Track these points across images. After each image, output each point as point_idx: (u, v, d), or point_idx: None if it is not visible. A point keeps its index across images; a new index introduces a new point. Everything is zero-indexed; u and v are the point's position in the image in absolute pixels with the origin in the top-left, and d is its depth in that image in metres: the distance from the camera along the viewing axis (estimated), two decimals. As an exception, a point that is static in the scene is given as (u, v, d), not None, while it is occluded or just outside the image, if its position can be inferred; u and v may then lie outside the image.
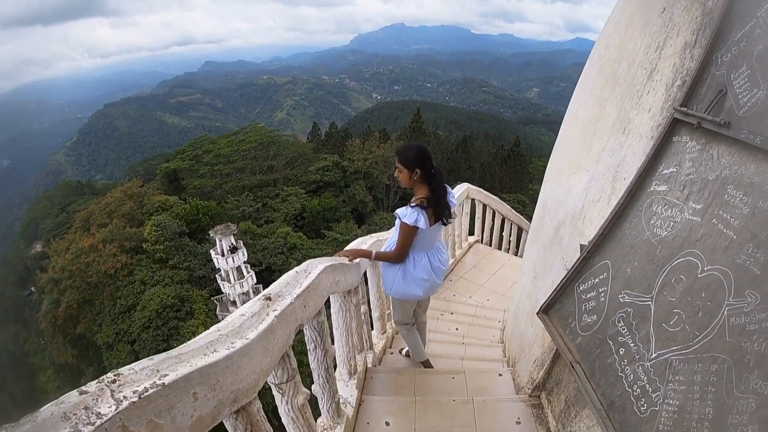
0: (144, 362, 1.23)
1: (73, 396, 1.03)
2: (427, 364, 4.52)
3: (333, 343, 3.40)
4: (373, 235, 4.44)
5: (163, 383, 1.17)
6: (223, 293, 30.47)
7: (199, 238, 35.86)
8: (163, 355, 1.31)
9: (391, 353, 4.98)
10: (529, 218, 8.01)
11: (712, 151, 1.82)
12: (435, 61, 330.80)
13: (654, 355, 1.88)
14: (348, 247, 3.82)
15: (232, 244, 29.05)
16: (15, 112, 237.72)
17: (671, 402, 1.75)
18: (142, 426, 1.10)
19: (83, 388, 1.07)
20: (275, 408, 2.30)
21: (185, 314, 30.08)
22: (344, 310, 3.38)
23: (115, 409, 1.03)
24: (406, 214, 3.38)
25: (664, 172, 2.05)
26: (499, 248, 9.49)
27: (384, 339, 5.04)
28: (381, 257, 3.79)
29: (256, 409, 1.71)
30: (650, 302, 1.96)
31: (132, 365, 1.20)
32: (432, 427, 3.31)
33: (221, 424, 1.60)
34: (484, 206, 8.90)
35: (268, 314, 1.87)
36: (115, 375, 1.13)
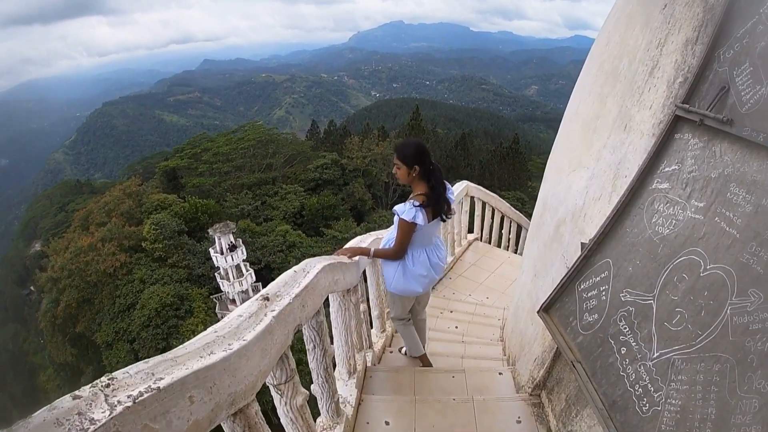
0: (139, 365, 1.21)
1: (66, 401, 1.01)
2: (424, 359, 4.51)
3: (332, 342, 3.38)
4: (372, 233, 4.42)
5: (159, 387, 1.15)
6: (222, 291, 30.51)
7: (198, 236, 35.86)
8: (159, 357, 1.28)
9: (391, 352, 4.96)
10: (529, 216, 8.00)
11: (715, 149, 1.81)
12: (434, 58, 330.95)
13: (656, 355, 1.86)
14: (347, 245, 3.82)
15: (231, 242, 29.07)
16: (14, 111, 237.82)
17: (673, 402, 1.73)
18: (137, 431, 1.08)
19: (76, 392, 1.04)
20: (275, 406, 2.28)
21: (184, 313, 30.08)
22: (343, 309, 3.37)
23: (109, 415, 1.01)
24: (405, 210, 3.38)
25: (666, 169, 2.03)
26: (499, 246, 9.47)
27: (383, 337, 5.02)
28: (380, 254, 3.79)
29: (254, 412, 1.68)
30: (652, 301, 1.94)
31: (126, 368, 1.18)
32: (432, 427, 3.30)
33: (219, 427, 1.58)
34: (484, 204, 8.88)
35: (266, 315, 1.85)
36: (109, 379, 1.11)
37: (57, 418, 0.96)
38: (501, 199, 9.36)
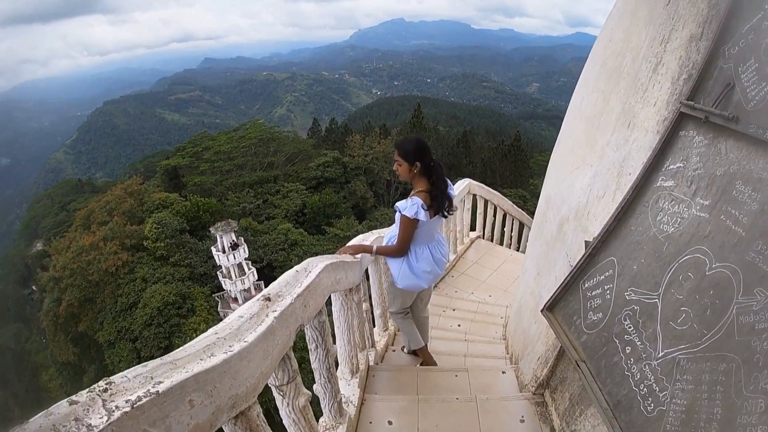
0: (137, 369, 1.19)
1: (62, 406, 0.99)
2: (424, 352, 4.50)
3: (334, 341, 3.37)
4: (374, 231, 4.41)
5: (158, 391, 1.13)
6: (224, 290, 30.60)
7: (199, 235, 35.95)
8: (158, 361, 1.26)
9: (393, 350, 4.96)
10: (530, 213, 7.98)
11: (720, 146, 1.79)
12: (435, 56, 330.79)
13: (661, 354, 1.85)
14: (349, 244, 3.82)
15: (233, 240, 29.12)
16: (14, 110, 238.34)
17: (679, 402, 1.72)
18: (135, 436, 1.06)
19: (73, 397, 1.02)
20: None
21: (187, 311, 30.16)
22: (346, 309, 3.36)
23: (107, 420, 0.99)
24: (407, 206, 3.39)
25: (671, 167, 2.01)
26: (501, 244, 9.46)
27: (386, 336, 5.01)
28: (383, 251, 3.80)
29: (256, 414, 1.67)
30: (657, 300, 1.93)
31: (125, 372, 1.16)
32: (435, 426, 3.29)
33: (219, 429, 1.57)
34: (486, 202, 8.86)
35: (267, 315, 1.83)
36: (106, 383, 1.09)
37: (53, 424, 0.94)
38: (503, 197, 9.34)
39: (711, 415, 1.57)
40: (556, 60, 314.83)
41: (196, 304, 30.46)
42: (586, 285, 2.41)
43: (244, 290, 29.50)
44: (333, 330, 3.20)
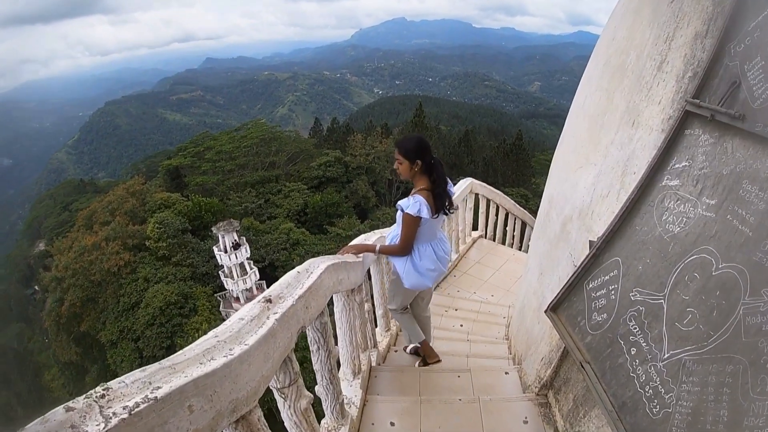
0: (135, 374, 1.17)
1: (59, 413, 0.97)
2: (426, 347, 4.49)
3: (336, 342, 3.36)
4: (376, 231, 4.40)
5: (156, 397, 1.11)
6: (226, 290, 30.63)
7: (201, 234, 36.02)
8: (156, 365, 1.24)
9: (396, 351, 4.95)
10: (532, 212, 7.94)
11: (726, 145, 1.77)
12: (436, 55, 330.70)
13: (667, 355, 1.83)
14: (351, 244, 3.82)
15: (234, 240, 29.16)
16: (15, 111, 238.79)
17: (685, 404, 1.70)
18: (133, 444, 1.04)
19: (70, 404, 1.00)
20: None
21: (189, 311, 30.22)
22: (348, 309, 3.35)
23: (104, 427, 0.97)
24: (409, 204, 3.39)
25: (677, 166, 2.00)
26: (503, 243, 9.44)
27: (388, 336, 5.00)
28: (386, 251, 3.80)
29: (257, 418, 1.65)
30: (663, 301, 1.91)
31: (122, 378, 1.14)
32: (438, 428, 3.28)
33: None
34: (488, 201, 8.85)
35: (268, 317, 1.82)
36: (104, 389, 1.07)
37: (49, 431, 0.92)
38: (505, 197, 9.32)
39: (717, 418, 1.56)
40: (557, 59, 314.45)
41: (198, 304, 30.51)
42: (591, 285, 2.39)
43: (246, 290, 29.55)
44: (335, 331, 3.18)
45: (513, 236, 9.66)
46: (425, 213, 3.36)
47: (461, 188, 7.37)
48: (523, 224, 9.83)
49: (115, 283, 33.05)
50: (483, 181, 8.64)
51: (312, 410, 2.33)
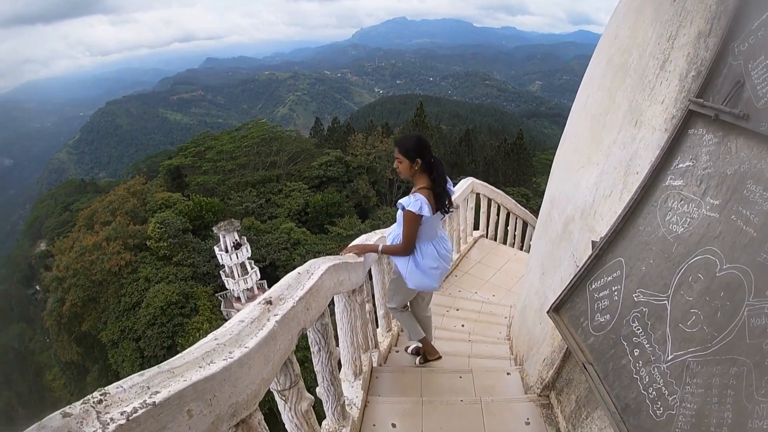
0: (134, 378, 1.16)
1: (55, 419, 0.95)
2: (426, 344, 4.49)
3: (337, 343, 3.35)
4: (377, 231, 4.39)
5: (154, 402, 1.10)
6: (227, 289, 30.65)
7: (202, 234, 36.06)
8: (155, 369, 1.23)
9: (397, 351, 4.93)
10: (533, 211, 7.92)
11: (730, 145, 1.76)
12: (437, 54, 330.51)
13: (670, 357, 1.82)
14: (353, 244, 3.82)
15: (235, 240, 29.18)
16: (16, 111, 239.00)
17: (689, 406, 1.69)
18: (130, 451, 1.03)
19: (66, 409, 0.99)
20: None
21: (190, 311, 30.27)
22: (349, 310, 3.34)
23: (101, 434, 0.96)
24: (410, 202, 3.38)
25: (680, 166, 1.98)
26: (505, 243, 9.44)
27: (389, 337, 5.00)
28: (388, 251, 3.79)
29: (257, 421, 1.64)
30: (666, 302, 1.90)
31: (120, 382, 1.13)
32: (439, 429, 3.27)
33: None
34: (489, 200, 8.84)
35: (268, 319, 1.80)
36: (101, 394, 1.06)
37: (46, 437, 0.91)
38: (507, 196, 9.31)
39: (721, 420, 1.55)
40: (558, 58, 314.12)
41: (199, 304, 30.55)
42: (593, 286, 2.38)
43: (247, 289, 29.59)
44: (335, 331, 3.17)
45: (514, 236, 9.65)
46: (426, 211, 3.36)
47: (462, 188, 7.37)
48: (525, 224, 9.82)
49: (116, 283, 33.11)
50: (484, 181, 8.64)
51: (313, 412, 2.32)
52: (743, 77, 1.71)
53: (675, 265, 1.89)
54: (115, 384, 1.12)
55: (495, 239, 9.27)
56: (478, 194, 8.39)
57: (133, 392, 1.11)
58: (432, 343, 4.58)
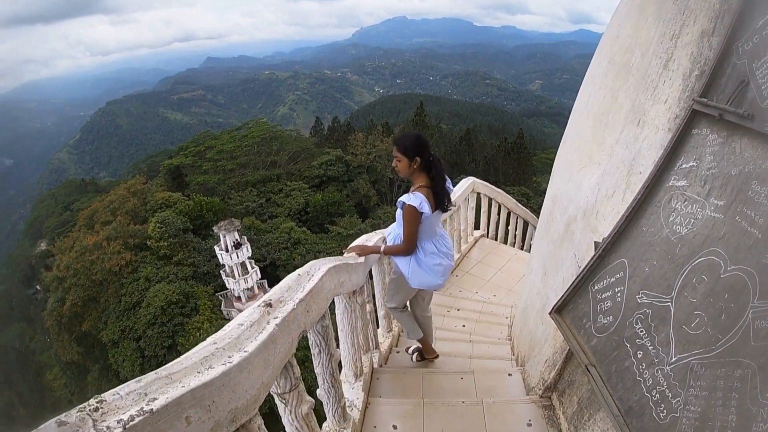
0: (131, 385, 1.14)
1: (51, 427, 0.94)
2: (424, 344, 4.47)
3: (338, 345, 3.33)
4: (377, 231, 4.37)
5: (152, 409, 1.08)
6: (227, 289, 30.65)
7: (203, 234, 36.09)
8: (152, 375, 1.21)
9: (398, 352, 4.92)
10: (533, 210, 7.90)
11: (735, 145, 1.74)
12: (437, 54, 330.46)
13: (674, 359, 1.81)
14: (354, 244, 3.81)
15: (236, 239, 29.19)
16: (16, 111, 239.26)
17: (692, 408, 1.68)
18: (128, 459, 1.01)
19: (62, 417, 0.97)
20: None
21: (190, 310, 30.30)
22: (349, 311, 3.33)
23: (97, 442, 0.94)
24: (411, 199, 3.37)
25: (684, 166, 1.97)
26: (505, 242, 9.43)
27: (390, 337, 4.99)
28: (391, 251, 3.78)
29: (257, 426, 1.62)
30: (670, 303, 1.89)
31: (117, 389, 1.11)
32: (440, 430, 3.26)
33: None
34: (490, 200, 8.83)
35: (268, 322, 1.79)
36: (97, 402, 1.04)
37: (41, 446, 0.89)
38: (507, 195, 9.30)
39: (725, 423, 1.54)
40: (558, 57, 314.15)
41: (200, 303, 30.58)
42: (596, 287, 2.37)
43: (248, 289, 29.62)
44: (336, 333, 3.15)
45: (515, 235, 9.64)
46: (426, 209, 3.36)
47: (463, 187, 7.35)
48: (525, 223, 9.81)
49: (117, 283, 33.14)
50: (484, 180, 8.62)
51: (313, 415, 2.30)
52: (747, 77, 1.70)
53: (679, 266, 1.88)
54: (111, 391, 1.10)
55: (496, 239, 9.26)
56: (478, 194, 8.38)
57: (130, 399, 1.09)
58: (433, 344, 4.57)
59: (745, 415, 1.47)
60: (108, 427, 0.98)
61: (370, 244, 3.84)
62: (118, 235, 34.61)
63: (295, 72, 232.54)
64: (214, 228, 29.98)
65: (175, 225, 34.01)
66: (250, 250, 30.07)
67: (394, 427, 3.30)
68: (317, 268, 2.51)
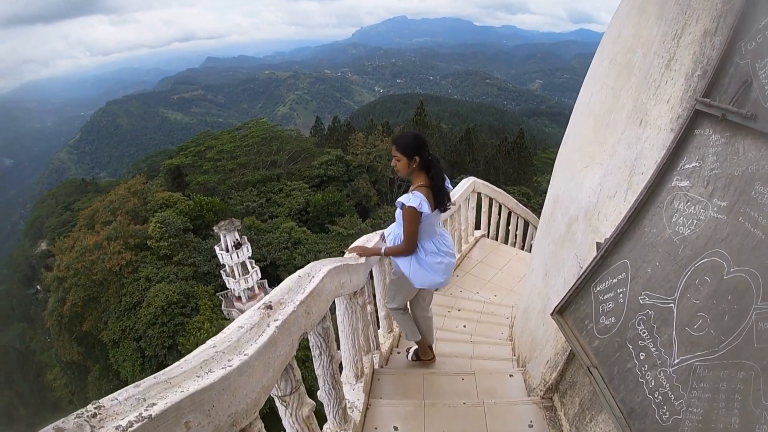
0: (129, 390, 1.13)
1: (48, 434, 0.92)
2: (422, 346, 4.47)
3: (338, 346, 3.32)
4: (378, 231, 4.36)
5: (150, 415, 1.07)
6: (228, 289, 30.64)
7: (203, 234, 36.13)
8: (151, 380, 1.20)
9: (399, 353, 4.90)
10: (533, 210, 7.89)
11: (738, 145, 1.73)
12: (437, 53, 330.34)
13: (677, 361, 1.80)
14: (355, 244, 3.81)
15: (236, 239, 29.17)
16: (16, 111, 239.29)
17: (695, 410, 1.67)
18: (126, 466, 1.00)
19: (59, 424, 0.96)
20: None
21: (190, 310, 30.33)
22: (350, 313, 3.32)
23: (95, 449, 0.93)
24: (410, 199, 3.37)
25: (686, 166, 1.96)
26: (506, 242, 9.41)
27: (391, 338, 4.98)
28: (391, 252, 3.77)
29: (258, 430, 1.61)
30: (672, 305, 1.88)
31: (115, 394, 1.10)
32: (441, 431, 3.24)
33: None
34: (491, 200, 8.82)
35: (268, 325, 1.78)
36: (95, 408, 1.03)
37: (37, 453, 0.88)
38: (508, 195, 9.29)
39: (728, 425, 1.53)
40: (559, 57, 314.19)
41: (200, 303, 30.61)
42: (598, 288, 2.36)
43: (248, 289, 29.61)
44: (336, 334, 3.14)
45: (516, 235, 9.63)
46: (426, 208, 3.35)
47: (463, 187, 7.35)
48: (526, 223, 9.80)
49: (117, 283, 33.19)
50: (485, 180, 8.61)
51: (314, 417, 2.29)
52: (750, 77, 1.69)
53: (681, 267, 1.87)
54: (109, 396, 1.09)
55: (496, 239, 9.25)
56: (479, 194, 8.36)
57: (128, 405, 1.08)
58: (434, 345, 4.57)
59: (748, 417, 1.46)
60: (106, 434, 0.97)
61: (371, 244, 3.84)
62: (119, 235, 34.64)
63: (295, 72, 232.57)
64: (214, 228, 29.96)
65: (175, 225, 34.05)
66: (250, 250, 30.06)
67: (395, 428, 3.29)
68: (318, 270, 2.49)
